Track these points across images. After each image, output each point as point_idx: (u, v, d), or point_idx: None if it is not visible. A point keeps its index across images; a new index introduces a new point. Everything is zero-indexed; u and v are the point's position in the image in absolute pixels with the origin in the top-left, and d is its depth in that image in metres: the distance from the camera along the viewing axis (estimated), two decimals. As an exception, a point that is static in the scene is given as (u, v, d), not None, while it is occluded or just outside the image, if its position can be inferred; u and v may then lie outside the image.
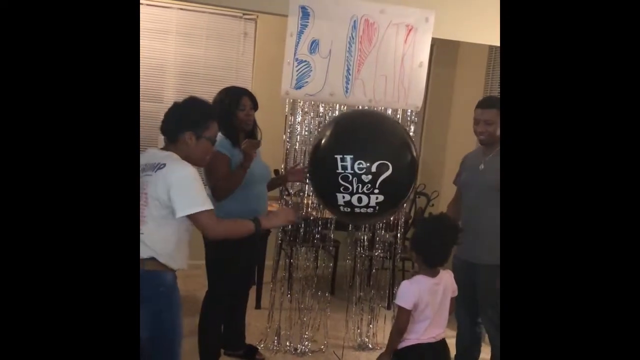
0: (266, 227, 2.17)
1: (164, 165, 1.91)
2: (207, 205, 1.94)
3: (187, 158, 2.01)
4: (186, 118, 2.01)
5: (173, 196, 1.88)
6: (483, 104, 2.60)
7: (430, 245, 2.14)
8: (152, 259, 1.92)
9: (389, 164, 2.22)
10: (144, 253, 1.90)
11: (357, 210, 2.30)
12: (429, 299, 2.13)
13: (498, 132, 2.56)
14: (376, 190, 2.23)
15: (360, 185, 2.23)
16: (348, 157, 2.22)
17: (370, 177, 2.21)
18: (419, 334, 2.15)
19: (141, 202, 1.90)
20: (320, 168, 2.40)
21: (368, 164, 2.21)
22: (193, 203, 1.91)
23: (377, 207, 2.29)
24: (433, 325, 2.16)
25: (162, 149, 2.05)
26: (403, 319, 2.12)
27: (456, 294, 2.27)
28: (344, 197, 2.28)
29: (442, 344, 2.21)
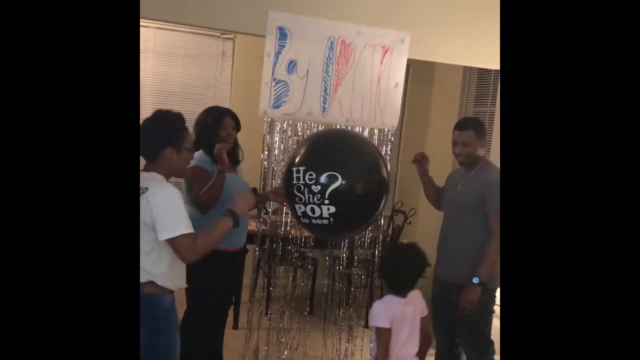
0: (242, 213, 2.15)
1: (147, 188, 1.91)
2: (186, 228, 1.92)
3: (170, 172, 2.03)
4: (163, 134, 2.01)
5: (155, 219, 1.89)
6: (460, 126, 2.64)
7: (395, 274, 2.19)
8: (150, 282, 1.92)
9: (338, 175, 2.26)
10: (142, 277, 1.90)
11: (314, 221, 2.36)
12: (400, 319, 2.13)
13: (477, 153, 2.60)
14: (326, 201, 2.28)
15: (311, 196, 2.30)
16: (301, 169, 2.32)
17: (319, 187, 2.28)
18: (391, 358, 2.12)
19: None
20: (284, 181, 2.50)
21: (317, 175, 2.28)
22: (173, 227, 1.90)
23: (332, 219, 2.32)
24: (405, 347, 2.15)
25: (142, 170, 2.04)
26: (386, 340, 2.10)
27: (425, 313, 2.26)
28: (300, 208, 2.37)
29: None
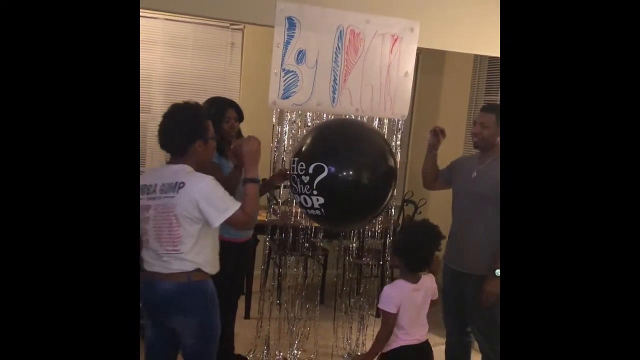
0: (255, 175, 2.10)
1: (183, 183, 1.93)
2: (235, 204, 1.96)
3: (200, 163, 2.06)
4: (191, 129, 2.02)
5: (204, 209, 1.92)
6: (484, 108, 2.65)
7: (413, 251, 2.19)
8: (197, 269, 1.99)
9: (325, 165, 2.25)
10: (188, 267, 1.97)
11: (309, 212, 2.38)
12: (407, 305, 2.16)
13: (493, 139, 2.56)
14: (315, 192, 2.28)
15: (302, 187, 2.31)
16: (296, 159, 2.35)
17: (308, 178, 2.28)
18: (400, 337, 2.18)
19: (173, 224, 1.94)
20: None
21: (306, 166, 2.29)
22: (226, 208, 1.94)
23: (323, 210, 2.32)
24: (414, 326, 2.20)
25: (169, 162, 2.06)
26: (390, 323, 2.16)
27: (436, 297, 2.30)
28: (296, 198, 2.41)
29: (425, 345, 2.24)
